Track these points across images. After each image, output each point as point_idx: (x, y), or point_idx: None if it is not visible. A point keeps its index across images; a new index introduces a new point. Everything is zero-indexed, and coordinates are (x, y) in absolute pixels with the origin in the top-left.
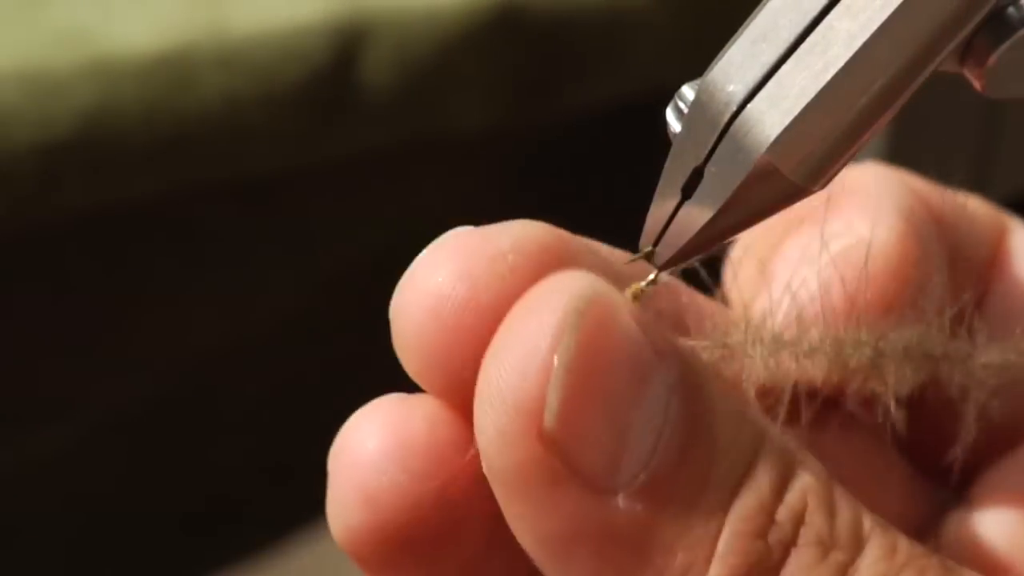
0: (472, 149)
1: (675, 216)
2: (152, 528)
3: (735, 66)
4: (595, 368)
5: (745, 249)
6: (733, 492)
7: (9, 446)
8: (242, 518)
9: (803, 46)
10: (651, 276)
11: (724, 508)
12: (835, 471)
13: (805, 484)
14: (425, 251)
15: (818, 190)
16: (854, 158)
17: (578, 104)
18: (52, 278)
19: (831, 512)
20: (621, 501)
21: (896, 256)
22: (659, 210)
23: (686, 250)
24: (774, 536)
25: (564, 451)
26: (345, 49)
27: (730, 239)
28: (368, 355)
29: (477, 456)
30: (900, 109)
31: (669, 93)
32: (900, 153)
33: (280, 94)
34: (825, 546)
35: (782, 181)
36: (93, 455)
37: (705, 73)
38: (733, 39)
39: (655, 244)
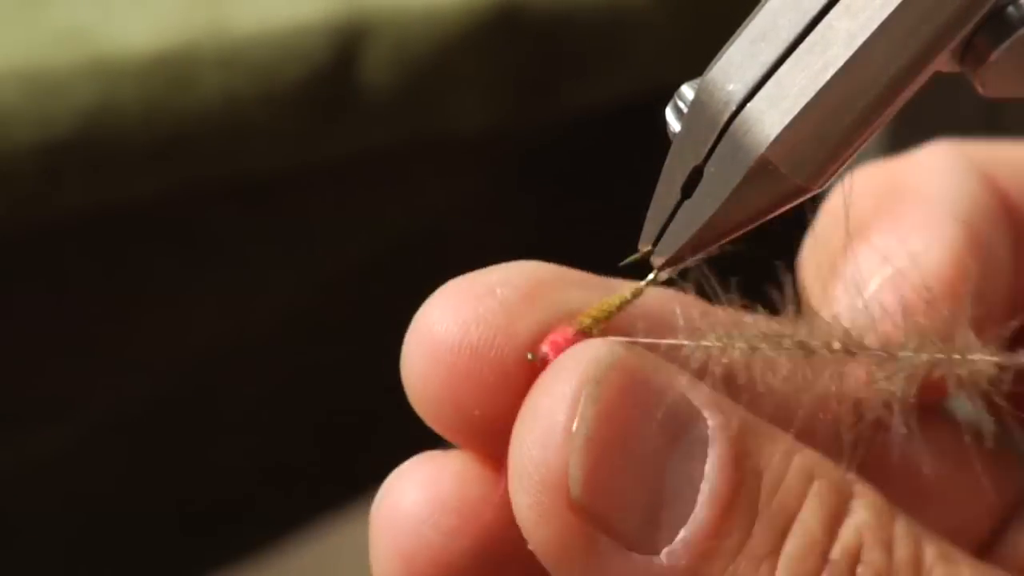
0: (472, 148)
1: (675, 215)
2: (152, 528)
3: (734, 65)
4: (618, 434)
5: (811, 257)
6: (782, 534)
7: (9, 446)
8: (242, 518)
9: (802, 46)
10: (651, 275)
11: (775, 551)
12: (904, 477)
13: (860, 520)
14: (425, 302)
15: (818, 189)
16: (854, 157)
17: (577, 104)
18: (52, 278)
19: (889, 548)
20: (665, 559)
21: (948, 276)
22: (659, 209)
23: (686, 249)
24: (831, 573)
25: (598, 517)
26: (345, 49)
27: (729, 238)
28: (368, 355)
29: (506, 502)
30: (900, 108)
31: (669, 93)
32: (900, 151)
33: (280, 94)
34: None
35: (781, 180)
36: (93, 455)
37: (704, 72)
38: (732, 38)
39: (655, 243)
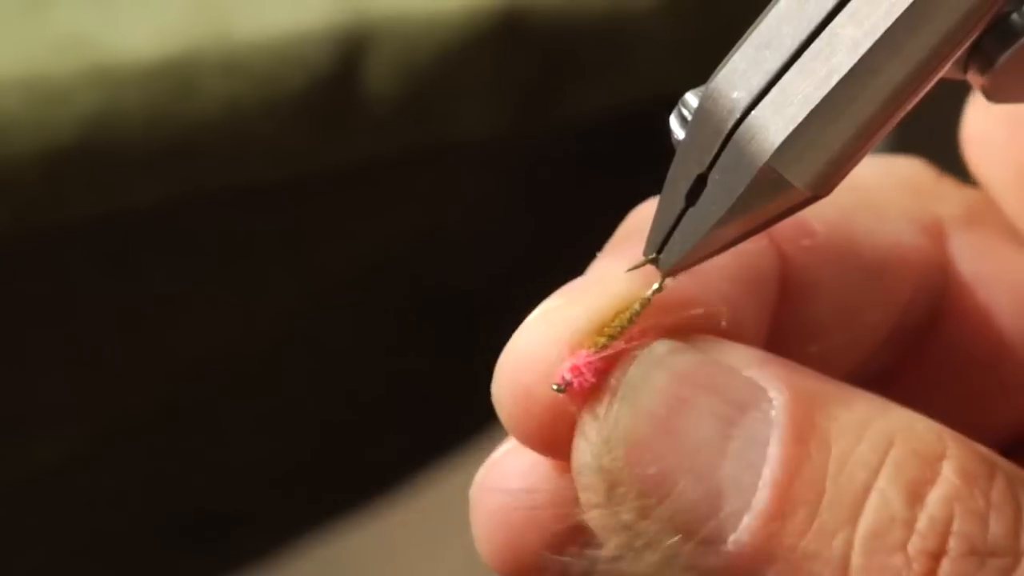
0: (476, 156)
1: (679, 223)
2: (157, 535)
3: (739, 73)
4: (662, 429)
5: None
6: (855, 509)
7: (12, 454)
8: (247, 525)
9: (807, 53)
10: (656, 284)
11: (849, 525)
12: None
13: (948, 489)
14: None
15: (823, 196)
16: (859, 164)
17: (582, 111)
18: (54, 285)
19: (984, 519)
20: (732, 546)
21: None
22: (663, 217)
23: (690, 257)
24: (915, 547)
25: (657, 517)
26: (348, 56)
27: (734, 246)
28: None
29: None
30: (905, 116)
31: (673, 100)
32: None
33: (283, 101)
34: (980, 554)
35: (786, 188)
36: (96, 463)
37: (709, 80)
38: (737, 46)
39: (659, 251)
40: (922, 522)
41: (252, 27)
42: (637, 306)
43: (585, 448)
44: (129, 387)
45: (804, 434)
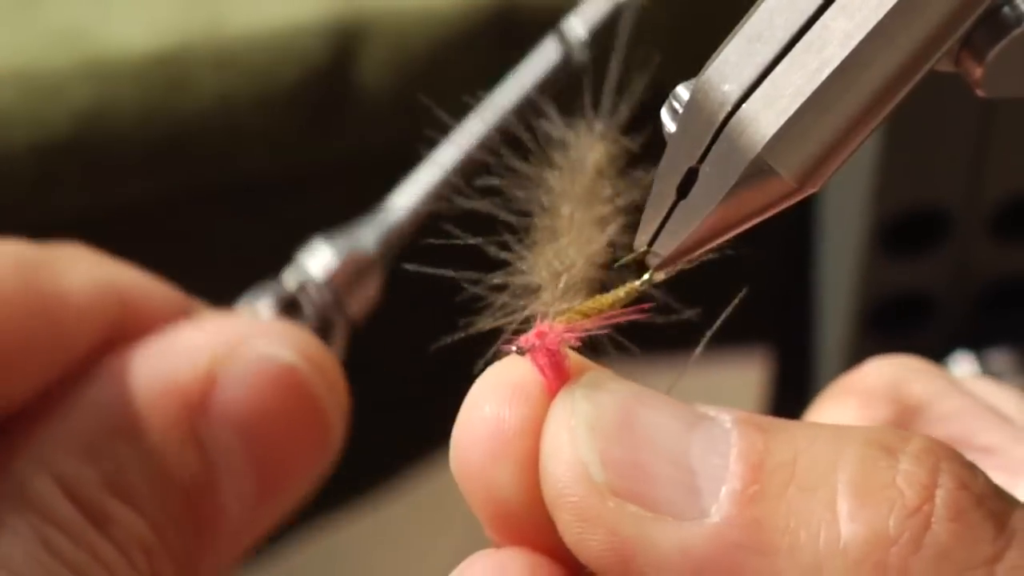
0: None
1: (670, 215)
2: None
3: (730, 66)
4: (627, 427)
5: None
6: (833, 465)
7: None
8: None
9: (798, 46)
10: (646, 275)
11: (833, 471)
12: None
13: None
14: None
15: (812, 190)
16: (849, 157)
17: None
18: None
19: (965, 484)
20: (716, 515)
21: None
22: (654, 209)
23: (681, 249)
24: (906, 470)
25: (634, 494)
26: (341, 50)
27: (725, 238)
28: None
29: None
30: (896, 109)
31: (665, 93)
32: (895, 153)
33: (276, 95)
34: (970, 488)
35: (777, 181)
36: None
37: (700, 73)
38: (728, 39)
39: (651, 243)
40: (907, 456)
41: (245, 21)
42: (622, 293)
43: (557, 447)
44: None
45: (764, 428)
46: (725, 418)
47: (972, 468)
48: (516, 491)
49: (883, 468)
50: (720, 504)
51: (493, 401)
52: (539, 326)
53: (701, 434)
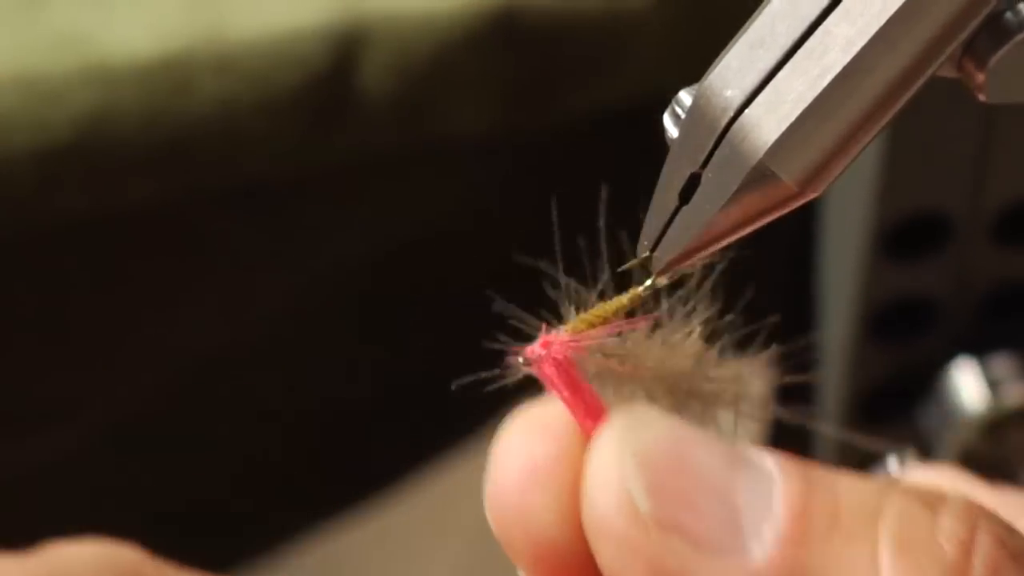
0: (470, 154)
1: (672, 221)
2: (153, 535)
3: (732, 71)
4: (674, 464)
5: None
6: (876, 515)
7: (6, 452)
8: (241, 525)
9: (800, 51)
10: (648, 281)
11: (874, 521)
12: None
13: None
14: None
15: (814, 195)
16: (852, 163)
17: (576, 109)
18: (49, 283)
19: (1010, 531)
20: (756, 550)
21: None
22: (656, 215)
23: (684, 255)
24: (946, 527)
25: (676, 526)
26: (343, 54)
27: (727, 243)
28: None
29: None
30: (898, 114)
31: (667, 98)
32: (898, 158)
33: (278, 99)
34: (1008, 547)
35: (779, 186)
36: (89, 461)
37: (702, 78)
38: (730, 44)
39: (653, 249)
40: (947, 513)
41: (247, 25)
42: (626, 300)
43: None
44: (125, 386)
45: (808, 476)
46: (769, 462)
47: (1009, 528)
48: (555, 527)
49: (924, 523)
50: (763, 543)
51: (524, 436)
52: (544, 336)
53: (746, 474)
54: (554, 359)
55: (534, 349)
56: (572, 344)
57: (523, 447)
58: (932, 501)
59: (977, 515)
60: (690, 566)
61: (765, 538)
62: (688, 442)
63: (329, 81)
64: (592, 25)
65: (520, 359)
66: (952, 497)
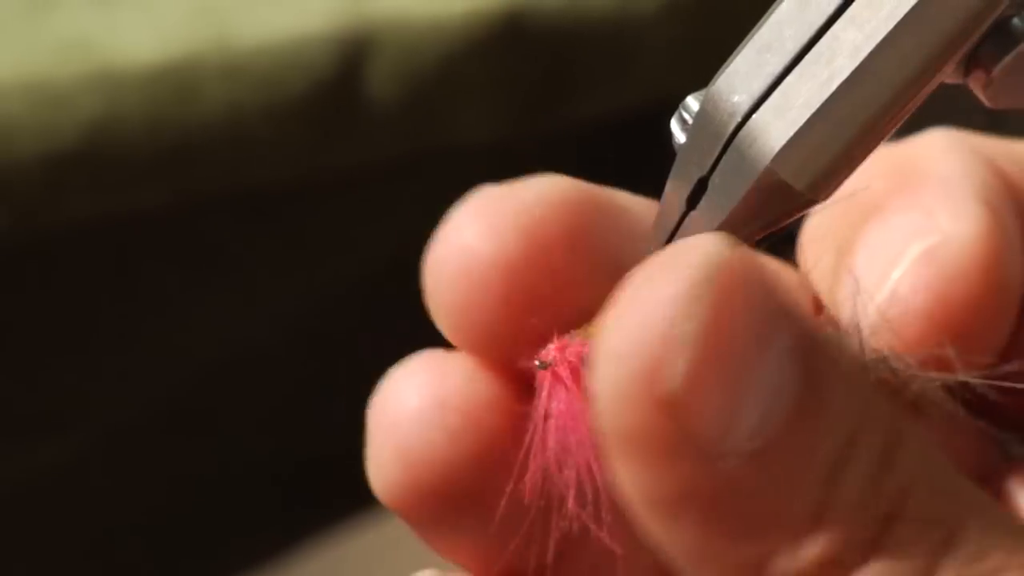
0: (478, 160)
1: (680, 227)
2: (158, 537)
3: (740, 76)
4: (720, 336)
5: (817, 237)
6: (839, 464)
7: (11, 456)
8: (247, 531)
9: (808, 56)
10: None
11: (831, 480)
12: None
13: (911, 459)
14: (453, 211)
15: (824, 200)
16: (860, 167)
17: (584, 114)
18: (56, 289)
19: (934, 488)
20: (730, 466)
21: (984, 256)
22: (664, 221)
23: None
24: (877, 509)
25: (682, 417)
26: (350, 60)
27: None
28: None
29: (514, 414)
30: (906, 119)
31: (674, 104)
32: None
33: (284, 105)
34: (928, 521)
35: (787, 192)
36: (95, 466)
37: (710, 83)
38: (738, 49)
39: None
40: (888, 484)
41: (253, 31)
42: None
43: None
44: (131, 389)
45: (808, 378)
46: (787, 337)
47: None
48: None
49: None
50: (737, 460)
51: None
52: (558, 341)
53: (769, 358)
54: (569, 362)
55: (549, 352)
56: (586, 348)
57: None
58: (886, 462)
59: None
60: (670, 450)
61: (743, 453)
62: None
63: (336, 87)
64: (599, 31)
65: (536, 362)
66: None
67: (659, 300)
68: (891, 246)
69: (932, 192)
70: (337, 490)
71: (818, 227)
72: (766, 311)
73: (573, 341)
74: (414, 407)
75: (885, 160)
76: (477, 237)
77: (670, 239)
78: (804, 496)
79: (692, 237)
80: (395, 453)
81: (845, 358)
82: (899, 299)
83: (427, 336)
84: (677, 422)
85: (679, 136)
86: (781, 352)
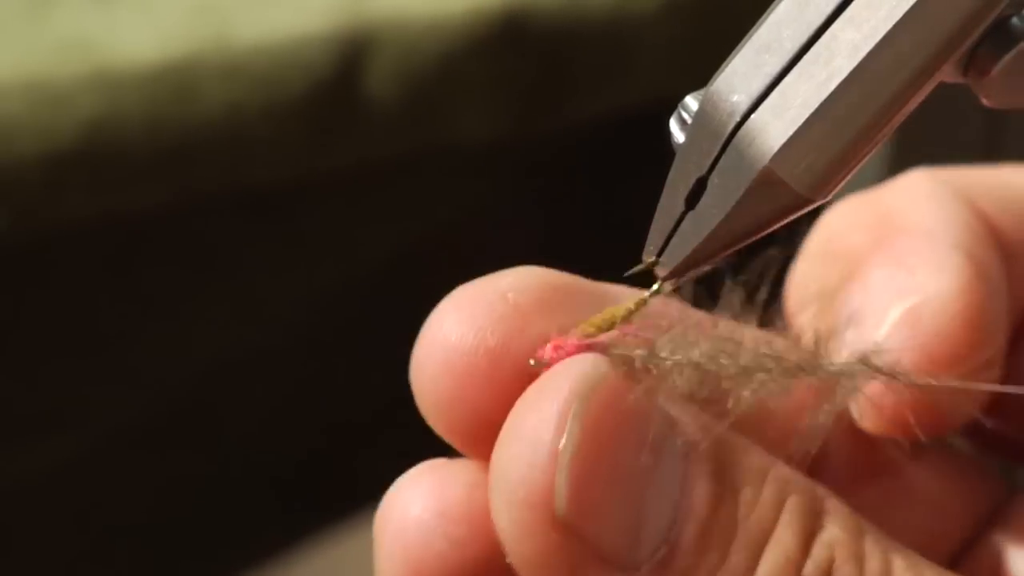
0: (477, 160)
1: (679, 226)
2: (155, 541)
3: (739, 76)
4: (602, 451)
5: (801, 286)
6: (757, 553)
7: (12, 457)
8: (246, 531)
9: (807, 56)
10: (655, 286)
11: (751, 570)
12: (880, 484)
13: (832, 536)
14: (435, 309)
15: (821, 200)
16: (858, 168)
17: (583, 114)
18: (55, 289)
19: (860, 560)
20: (645, 572)
21: (965, 310)
22: (663, 220)
23: (690, 260)
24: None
25: (581, 534)
26: (349, 60)
27: (733, 249)
28: (373, 366)
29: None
30: (905, 119)
31: (674, 103)
32: (903, 163)
33: (284, 105)
34: None
35: (785, 191)
36: (96, 467)
37: (709, 83)
38: (737, 49)
39: (659, 254)
40: (809, 567)
41: (253, 31)
42: (632, 305)
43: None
44: (131, 389)
45: (715, 474)
46: (683, 441)
47: (862, 563)
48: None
49: (792, 569)
50: (652, 568)
51: (455, 321)
52: (555, 340)
53: (663, 468)
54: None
55: (546, 351)
56: (582, 347)
57: (453, 330)
58: (807, 536)
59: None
60: (577, 568)
61: (655, 562)
62: (618, 426)
63: (335, 87)
64: (599, 30)
65: (532, 361)
66: (822, 534)
67: (537, 423)
68: (874, 306)
69: (912, 246)
70: (337, 490)
71: (803, 277)
72: (648, 423)
73: (568, 340)
74: (419, 519)
75: (866, 210)
76: (456, 329)
77: (668, 239)
78: None
79: (568, 360)
80: (401, 562)
81: (752, 449)
82: (887, 355)
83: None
84: (577, 541)
85: (678, 136)
86: (674, 457)
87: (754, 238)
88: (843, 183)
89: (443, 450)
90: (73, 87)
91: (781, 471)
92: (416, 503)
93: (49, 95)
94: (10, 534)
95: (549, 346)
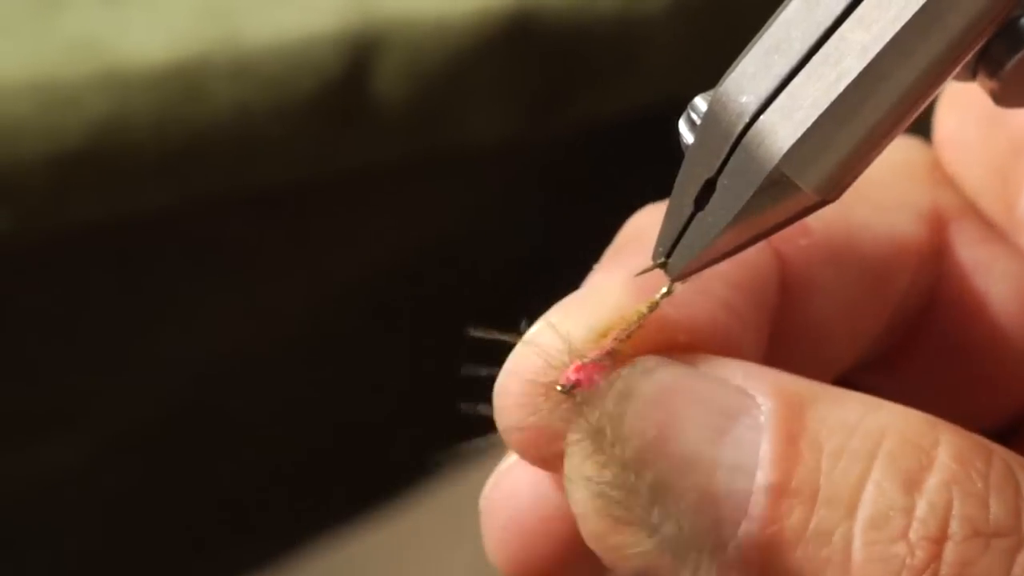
0: (485, 160)
1: (688, 227)
2: (162, 542)
3: (748, 77)
4: (658, 443)
5: (962, 145)
6: (851, 504)
7: (19, 458)
8: (253, 531)
9: (816, 57)
10: (664, 288)
11: (849, 519)
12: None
13: (945, 474)
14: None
15: (832, 201)
16: (868, 168)
17: (591, 115)
18: (62, 290)
19: (984, 501)
20: (732, 553)
21: None
22: (672, 221)
23: (699, 261)
24: (917, 534)
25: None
26: (357, 60)
27: (742, 250)
28: (382, 366)
29: None
30: (914, 120)
31: (682, 104)
32: None
33: (292, 105)
34: (984, 535)
35: (795, 192)
36: (102, 468)
37: (718, 84)
38: (746, 50)
39: (668, 255)
40: (921, 508)
41: (261, 31)
42: (645, 309)
43: (578, 462)
44: (140, 389)
45: (794, 435)
46: (760, 410)
47: (986, 503)
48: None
49: (898, 515)
50: (738, 542)
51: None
52: (575, 363)
53: (731, 444)
54: (591, 380)
55: (569, 376)
56: (604, 365)
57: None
58: (912, 478)
59: (952, 496)
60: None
61: (741, 534)
62: (674, 416)
63: (344, 87)
64: (607, 31)
65: (559, 388)
66: (935, 469)
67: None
68: None
69: None
70: (337, 490)
71: (962, 135)
72: (708, 405)
73: (588, 363)
74: (531, 480)
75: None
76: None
77: (677, 240)
78: (824, 550)
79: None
80: (515, 526)
81: (845, 400)
82: None
83: (434, 336)
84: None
85: (687, 137)
86: (743, 433)
87: (764, 239)
88: (853, 183)
89: (452, 448)
90: (81, 87)
91: (883, 413)
92: (528, 475)
93: (57, 95)
94: (11, 534)
95: (571, 369)
